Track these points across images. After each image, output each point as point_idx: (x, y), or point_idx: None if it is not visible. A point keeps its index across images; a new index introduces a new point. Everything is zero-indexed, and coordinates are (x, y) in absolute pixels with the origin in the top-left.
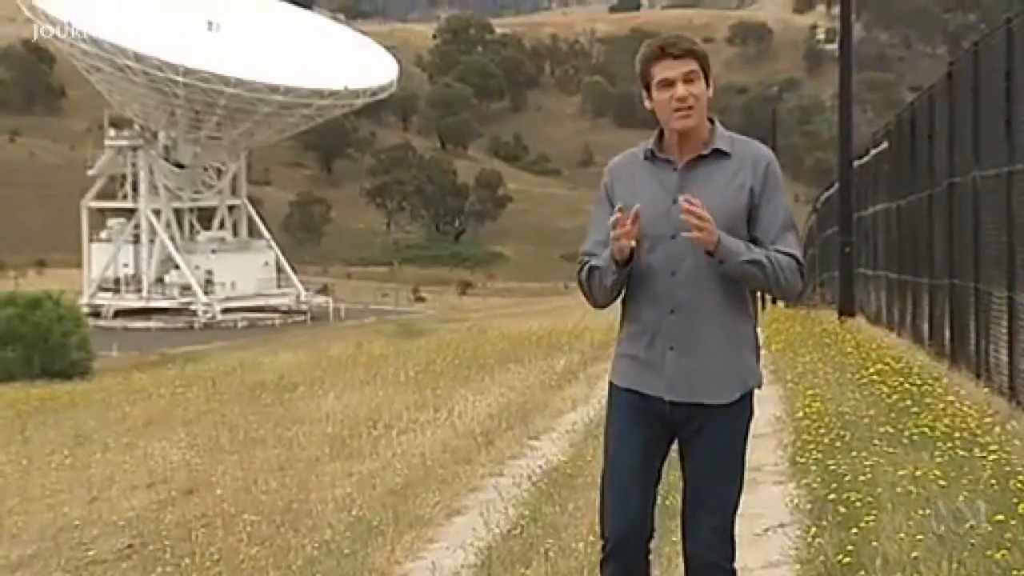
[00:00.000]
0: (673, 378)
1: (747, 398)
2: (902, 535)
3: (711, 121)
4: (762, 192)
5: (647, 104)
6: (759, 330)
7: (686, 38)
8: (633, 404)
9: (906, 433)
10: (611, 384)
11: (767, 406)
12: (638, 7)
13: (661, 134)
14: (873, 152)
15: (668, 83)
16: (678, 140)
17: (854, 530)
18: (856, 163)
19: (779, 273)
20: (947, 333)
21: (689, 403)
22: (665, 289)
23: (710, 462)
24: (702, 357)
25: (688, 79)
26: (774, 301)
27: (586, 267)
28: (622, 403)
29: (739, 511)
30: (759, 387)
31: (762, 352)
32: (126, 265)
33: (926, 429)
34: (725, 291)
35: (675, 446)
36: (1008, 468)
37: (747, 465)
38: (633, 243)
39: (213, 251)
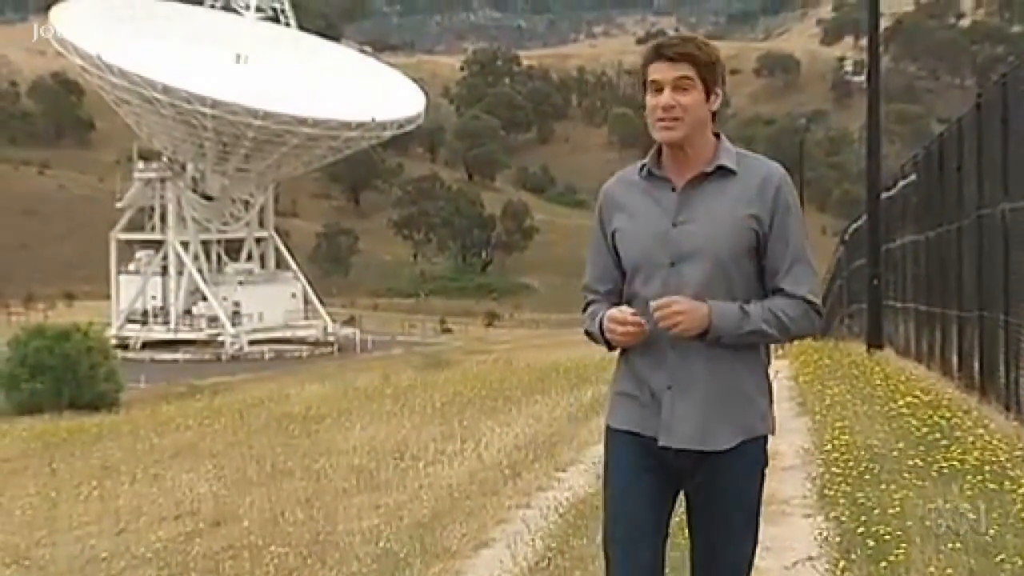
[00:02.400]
0: (670, 421)
1: (759, 445)
2: (932, 569)
3: (716, 136)
4: (772, 219)
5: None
6: (773, 371)
7: (693, 40)
8: (634, 449)
9: (935, 466)
10: (608, 428)
11: (795, 438)
12: None
13: (660, 150)
14: (901, 184)
15: (657, 87)
16: (675, 156)
17: (883, 564)
18: (884, 195)
19: (788, 328)
20: (976, 366)
21: (690, 450)
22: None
23: (721, 516)
24: (703, 399)
25: (679, 86)
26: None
27: (589, 312)
28: (622, 448)
29: (767, 548)
30: (772, 433)
31: (790, 384)
32: (154, 297)
33: (956, 462)
34: None
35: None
36: None
37: (761, 520)
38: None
39: (240, 283)
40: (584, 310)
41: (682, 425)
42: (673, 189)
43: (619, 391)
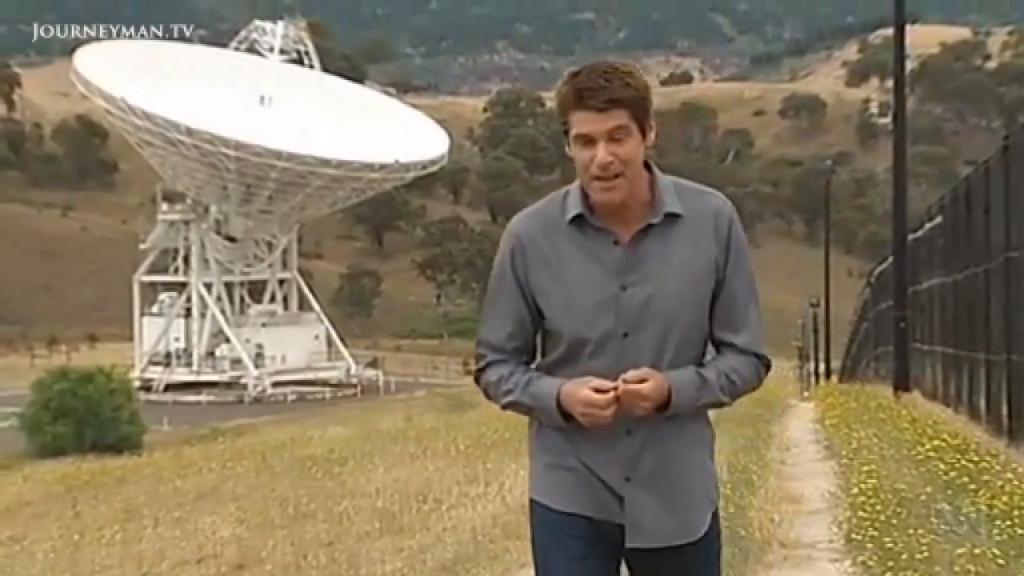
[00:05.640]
0: (636, 519)
1: (716, 518)
2: None
3: (648, 168)
4: (726, 262)
5: (568, 150)
6: (798, 415)
7: (617, 74)
8: (583, 533)
9: (963, 511)
10: (536, 504)
11: (821, 481)
12: (690, 80)
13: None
14: (928, 226)
15: (588, 140)
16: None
17: None
18: (911, 237)
19: (739, 390)
20: (1005, 409)
21: (657, 548)
22: None
23: None
24: (672, 489)
25: (615, 137)
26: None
27: (492, 377)
28: (567, 532)
29: None
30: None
31: (816, 428)
32: (177, 339)
33: (984, 507)
34: None
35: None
36: None
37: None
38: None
39: (263, 324)
40: (480, 371)
41: (651, 522)
42: (615, 242)
43: (552, 462)
